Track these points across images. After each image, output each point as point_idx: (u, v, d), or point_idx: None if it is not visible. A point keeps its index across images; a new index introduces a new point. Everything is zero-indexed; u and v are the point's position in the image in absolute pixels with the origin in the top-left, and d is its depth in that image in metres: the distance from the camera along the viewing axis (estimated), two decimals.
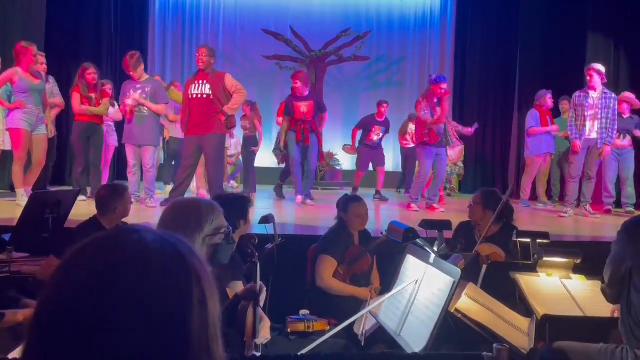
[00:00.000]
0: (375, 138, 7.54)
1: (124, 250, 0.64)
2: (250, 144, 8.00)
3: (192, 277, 0.65)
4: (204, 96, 5.23)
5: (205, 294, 0.66)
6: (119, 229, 0.67)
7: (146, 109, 5.52)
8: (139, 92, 5.54)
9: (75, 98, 5.78)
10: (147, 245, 0.65)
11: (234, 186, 8.58)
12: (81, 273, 0.62)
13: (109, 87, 6.21)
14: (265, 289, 1.94)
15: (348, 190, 8.88)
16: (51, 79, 6.19)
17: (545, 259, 2.56)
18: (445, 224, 3.03)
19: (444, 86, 6.05)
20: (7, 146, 5.47)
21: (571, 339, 2.14)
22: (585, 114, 5.76)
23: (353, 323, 2.31)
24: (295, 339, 2.45)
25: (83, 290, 0.61)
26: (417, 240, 2.20)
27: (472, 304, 2.16)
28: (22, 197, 4.84)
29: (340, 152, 11.35)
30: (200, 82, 5.29)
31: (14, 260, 3.09)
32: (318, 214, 5.50)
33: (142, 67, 5.69)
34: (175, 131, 6.90)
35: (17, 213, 3.41)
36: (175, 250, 0.66)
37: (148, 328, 0.60)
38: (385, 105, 7.61)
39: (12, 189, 5.62)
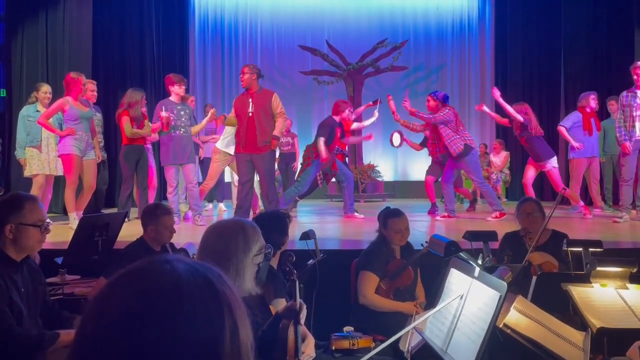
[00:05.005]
0: None
1: (156, 281, 0.64)
2: (290, 161, 8.07)
3: (224, 307, 0.65)
4: (249, 114, 5.34)
5: (237, 322, 0.66)
6: (151, 260, 0.68)
7: (185, 129, 5.75)
8: (182, 112, 5.76)
9: (126, 122, 5.85)
10: (179, 275, 0.65)
11: None
12: (113, 305, 0.63)
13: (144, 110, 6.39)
14: (305, 306, 1.93)
15: (390, 202, 8.82)
16: (99, 114, 6.39)
17: (598, 268, 2.44)
18: (490, 235, 2.93)
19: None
20: (60, 172, 5.69)
21: None
22: (634, 114, 5.59)
23: (399, 339, 2.26)
24: (340, 356, 2.42)
25: (114, 322, 0.62)
26: (461, 253, 2.14)
27: (522, 317, 2.07)
28: (74, 221, 5.02)
29: (382, 164, 11.27)
30: (246, 99, 5.43)
31: (66, 283, 3.21)
32: (360, 227, 5.46)
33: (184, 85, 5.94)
34: (209, 151, 7.15)
35: (69, 236, 3.53)
36: (206, 279, 0.66)
37: (179, 358, 0.61)
38: None
39: (65, 212, 5.82)
